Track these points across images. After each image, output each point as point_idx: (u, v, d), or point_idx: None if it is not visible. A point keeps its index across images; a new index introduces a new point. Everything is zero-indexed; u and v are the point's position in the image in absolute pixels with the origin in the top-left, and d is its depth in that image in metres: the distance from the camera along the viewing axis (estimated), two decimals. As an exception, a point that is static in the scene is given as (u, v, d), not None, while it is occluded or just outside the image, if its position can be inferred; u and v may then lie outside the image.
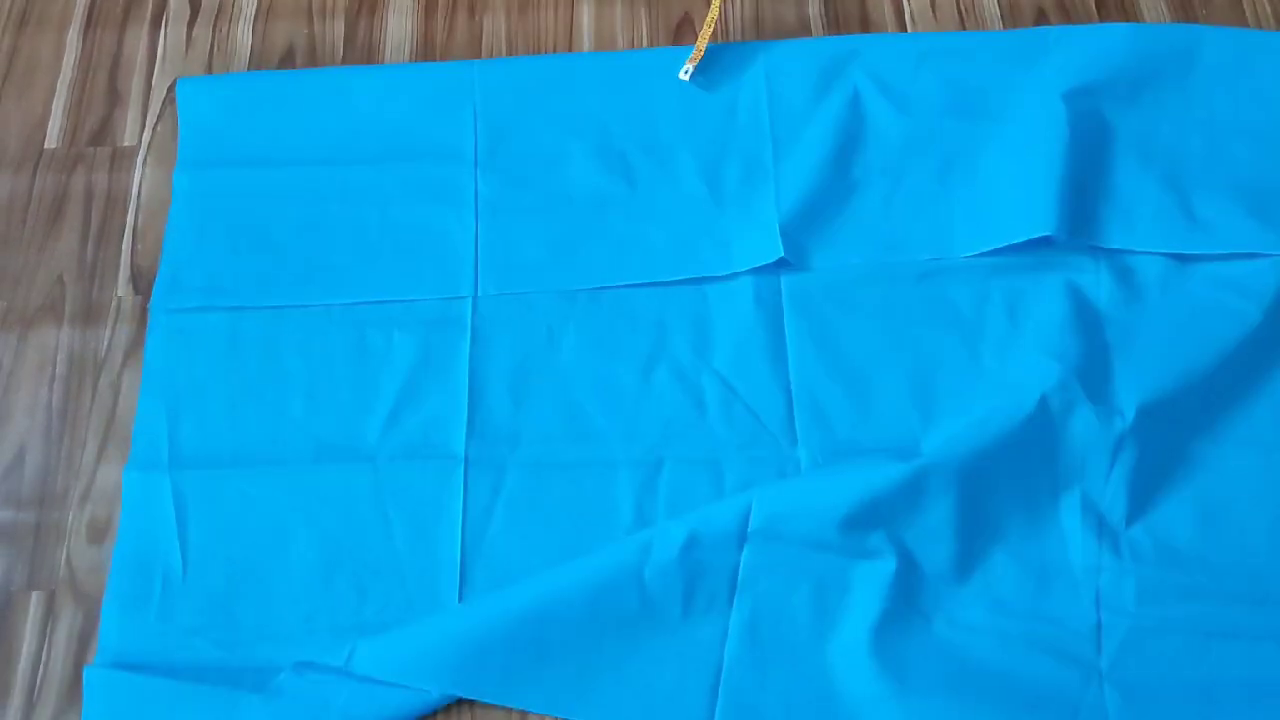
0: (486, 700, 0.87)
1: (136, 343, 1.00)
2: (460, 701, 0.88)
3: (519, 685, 0.87)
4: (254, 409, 0.97)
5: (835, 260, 1.02)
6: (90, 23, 1.16)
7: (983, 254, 1.02)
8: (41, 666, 0.90)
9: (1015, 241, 1.01)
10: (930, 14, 1.15)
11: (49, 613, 0.91)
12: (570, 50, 1.13)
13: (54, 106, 1.11)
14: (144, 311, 1.01)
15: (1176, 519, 0.93)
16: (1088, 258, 1.01)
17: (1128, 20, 1.14)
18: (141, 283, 1.03)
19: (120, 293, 1.03)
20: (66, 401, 0.98)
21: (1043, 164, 1.02)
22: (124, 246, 1.05)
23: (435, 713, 0.88)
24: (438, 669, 0.87)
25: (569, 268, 1.02)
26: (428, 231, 1.04)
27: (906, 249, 1.03)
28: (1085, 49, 1.09)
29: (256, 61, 1.14)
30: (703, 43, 1.08)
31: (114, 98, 1.12)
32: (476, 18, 1.16)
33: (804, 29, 1.14)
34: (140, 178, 1.08)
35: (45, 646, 0.90)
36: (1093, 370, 0.95)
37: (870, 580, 0.89)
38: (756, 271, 1.01)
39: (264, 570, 0.92)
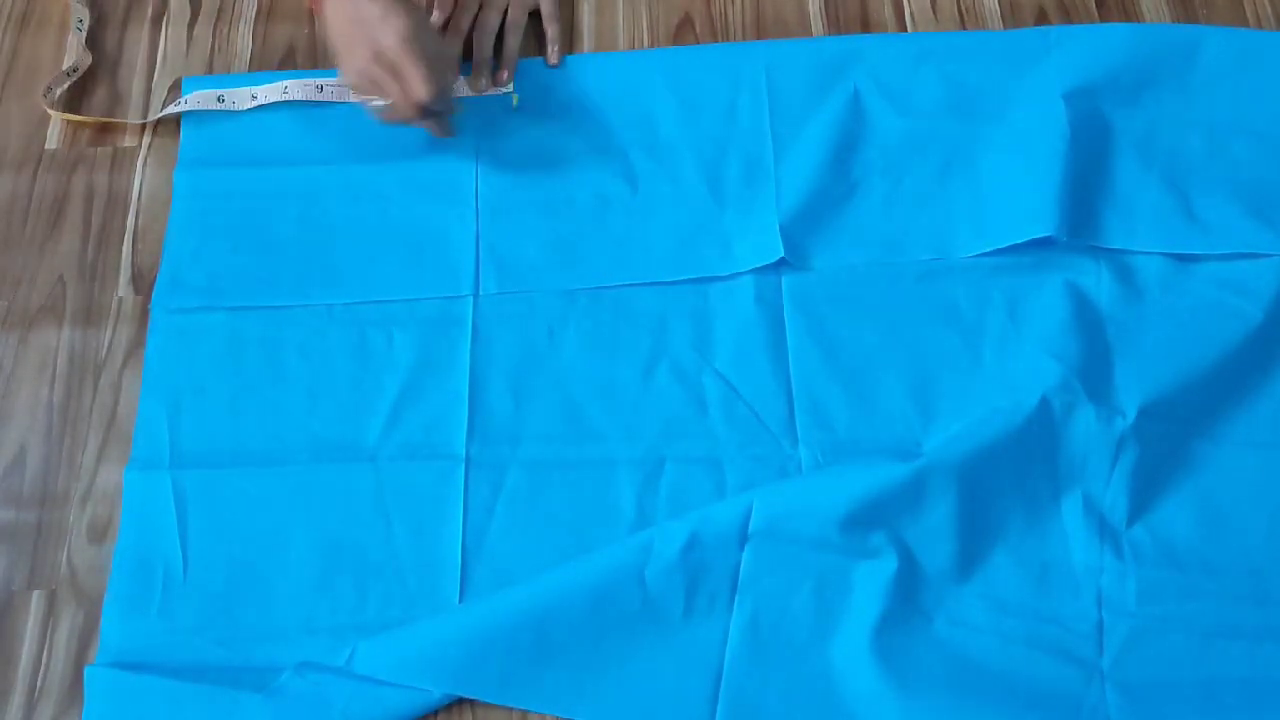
0: (487, 700, 0.87)
1: (137, 343, 1.00)
2: (460, 701, 0.88)
3: (519, 685, 0.87)
4: (254, 409, 0.97)
5: (835, 260, 1.02)
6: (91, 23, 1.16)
7: (983, 254, 1.02)
8: (42, 666, 0.89)
9: (1015, 242, 1.01)
10: (930, 14, 1.15)
11: (49, 613, 0.91)
12: (570, 50, 1.13)
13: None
14: (144, 311, 1.01)
15: (1178, 519, 0.92)
16: (1088, 258, 1.01)
17: (1128, 20, 1.14)
18: (142, 283, 1.03)
19: (121, 293, 1.02)
20: (67, 401, 0.98)
21: (1043, 164, 1.02)
22: (124, 247, 1.05)
23: (436, 713, 0.87)
24: (439, 669, 0.87)
25: (570, 267, 1.02)
26: (428, 231, 1.04)
27: (906, 249, 1.03)
28: (1085, 49, 1.09)
29: (257, 63, 1.13)
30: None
31: (114, 98, 1.12)
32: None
33: (804, 29, 1.14)
34: (140, 178, 1.08)
35: (46, 646, 0.90)
36: (1094, 370, 0.95)
37: (871, 580, 0.89)
38: (757, 271, 1.01)
39: (265, 570, 0.91)
